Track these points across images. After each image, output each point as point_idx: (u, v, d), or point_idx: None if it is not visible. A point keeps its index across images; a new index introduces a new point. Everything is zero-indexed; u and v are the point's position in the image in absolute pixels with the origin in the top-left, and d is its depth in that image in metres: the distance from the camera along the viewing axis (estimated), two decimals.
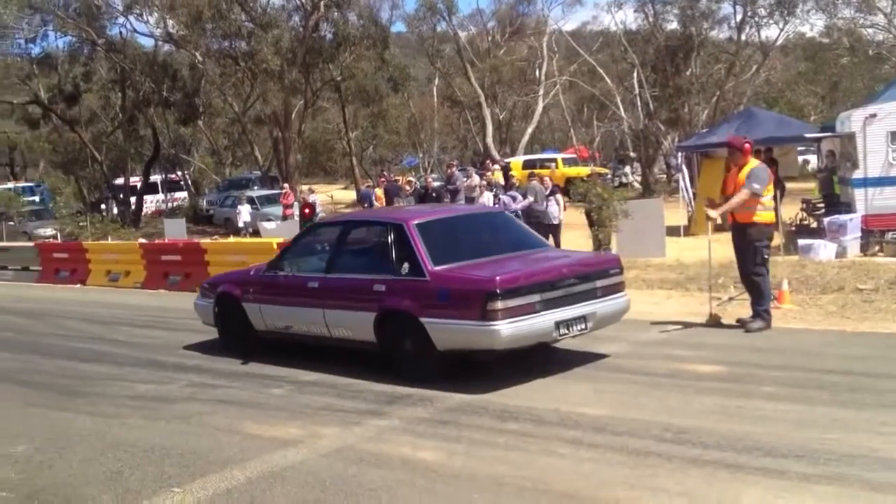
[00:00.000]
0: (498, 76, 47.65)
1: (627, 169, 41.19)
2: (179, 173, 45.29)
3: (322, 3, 34.38)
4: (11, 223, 33.77)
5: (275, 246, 15.90)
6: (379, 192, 24.65)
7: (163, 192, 44.56)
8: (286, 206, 27.11)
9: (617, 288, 8.57)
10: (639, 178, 39.62)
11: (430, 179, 24.88)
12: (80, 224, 31.74)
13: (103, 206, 40.60)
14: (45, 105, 39.50)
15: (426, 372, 8.08)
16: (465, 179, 22.53)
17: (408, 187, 21.78)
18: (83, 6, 36.01)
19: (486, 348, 7.78)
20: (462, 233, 9.13)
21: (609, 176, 37.48)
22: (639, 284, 13.58)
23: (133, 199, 39.26)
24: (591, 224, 17.17)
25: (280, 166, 37.97)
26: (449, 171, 23.89)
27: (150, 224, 35.64)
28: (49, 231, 30.93)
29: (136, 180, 41.38)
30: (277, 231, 21.30)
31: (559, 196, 18.27)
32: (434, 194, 21.23)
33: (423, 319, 7.91)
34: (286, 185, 30.70)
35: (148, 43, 40.24)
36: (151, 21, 37.28)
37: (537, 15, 49.99)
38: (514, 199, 18.15)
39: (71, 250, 21.09)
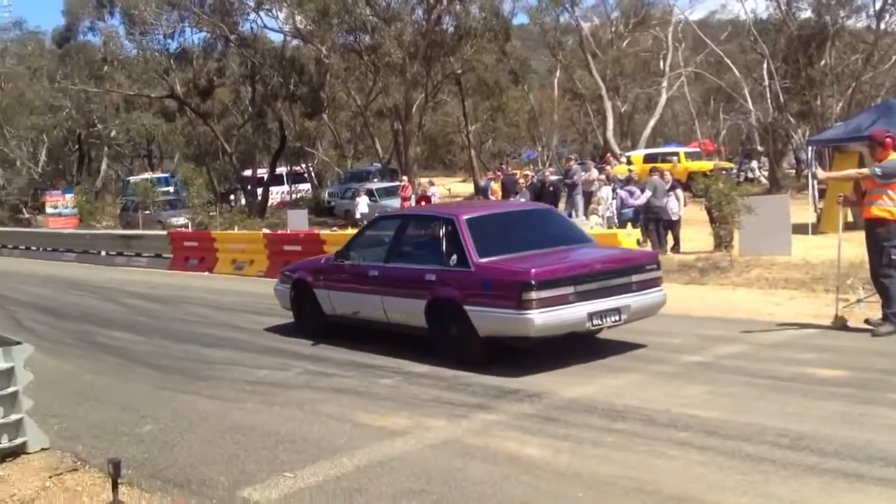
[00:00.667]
0: (620, 68, 46.87)
1: (754, 163, 39.82)
2: (304, 165, 46.39)
3: None
4: (147, 212, 35.29)
5: None
6: (495, 185, 24.66)
7: (288, 183, 45.72)
8: (404, 199, 27.42)
9: (653, 283, 8.97)
10: (766, 173, 38.28)
11: (547, 173, 24.75)
12: (210, 214, 32.97)
13: (232, 197, 41.98)
14: (181, 99, 41.06)
15: (468, 356, 8.65)
16: (583, 174, 22.33)
17: (522, 181, 21.68)
18: (217, 2, 37.34)
19: (521, 335, 8.28)
20: (509, 228, 9.62)
21: (734, 171, 36.40)
22: (761, 284, 13.19)
23: (259, 191, 40.42)
24: (713, 221, 16.76)
25: (400, 159, 38.46)
26: (567, 164, 23.71)
27: (274, 215, 36.66)
28: (181, 220, 32.15)
29: (262, 172, 42.62)
30: None
31: (679, 191, 17.90)
32: (551, 188, 21.11)
33: (466, 307, 8.49)
34: (405, 177, 31.05)
35: (277, 38, 41.44)
36: (281, 17, 38.37)
37: (663, 4, 48.85)
38: (631, 193, 17.88)
39: (200, 239, 21.92)
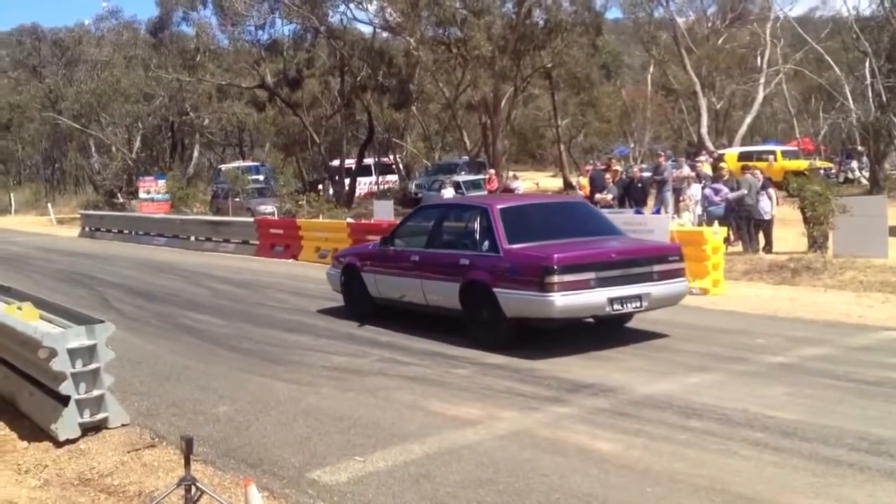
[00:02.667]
0: (716, 64, 45.80)
1: (855, 164, 38.48)
2: (392, 157, 46.69)
3: None
4: (237, 199, 36.01)
5: None
6: (583, 180, 24.36)
7: (375, 174, 46.07)
8: (490, 192, 27.36)
9: (675, 273, 9.44)
10: (867, 174, 36.92)
11: (636, 169, 24.33)
12: (298, 203, 33.46)
13: (320, 187, 42.47)
14: (271, 89, 41.77)
15: (497, 338, 9.17)
16: (674, 170, 21.88)
17: (608, 175, 21.35)
18: None
19: (543, 317, 8.81)
20: (540, 218, 10.34)
21: (834, 171, 35.23)
22: (854, 286, 12.75)
23: (347, 181, 40.84)
24: (806, 221, 16.25)
25: (487, 152, 38.38)
26: (657, 161, 23.27)
27: (361, 205, 37.02)
28: (269, 208, 32.69)
29: (350, 163, 43.04)
30: None
31: (772, 191, 17.40)
32: (640, 184, 20.72)
33: (495, 290, 9.07)
34: (491, 170, 30.97)
35: (366, 30, 41.76)
36: (370, 9, 38.62)
37: (761, 0, 47.60)
38: (716, 192, 17.46)
39: (286, 227, 22.24)
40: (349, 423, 6.77)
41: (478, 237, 9.64)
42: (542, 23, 36.71)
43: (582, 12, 36.65)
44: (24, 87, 54.82)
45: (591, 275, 8.71)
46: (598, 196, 20.71)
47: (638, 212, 17.55)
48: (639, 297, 8.96)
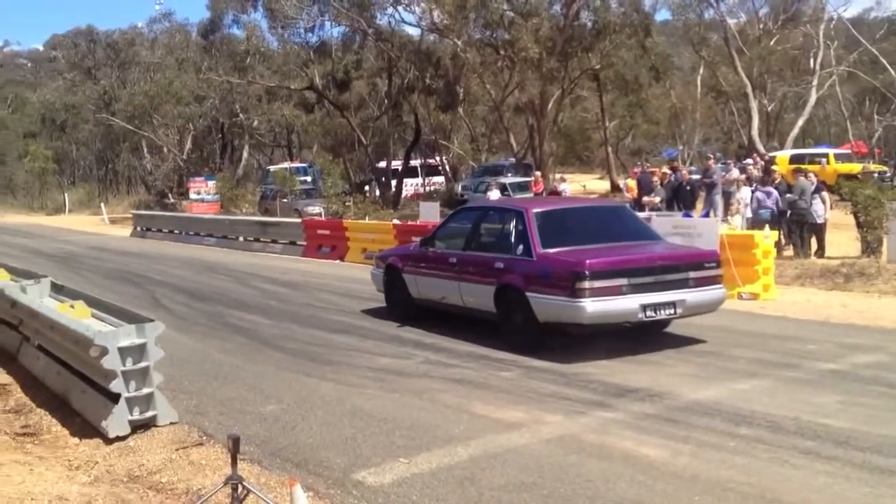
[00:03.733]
0: (767, 66, 45.14)
1: None
2: (438, 158, 46.75)
3: None
4: (285, 200, 36.31)
5: None
6: (631, 183, 24.16)
7: (421, 176, 46.14)
8: (536, 194, 27.20)
9: (712, 280, 9.28)
10: None
11: (685, 171, 24.06)
12: (346, 204, 33.64)
13: (367, 188, 42.68)
14: (319, 91, 42.07)
15: (528, 341, 9.18)
16: (723, 173, 21.62)
17: (656, 178, 21.14)
18: None
19: (574, 322, 8.72)
20: (576, 222, 10.20)
21: (888, 174, 34.53)
22: None
23: (393, 182, 40.98)
24: (860, 225, 15.95)
25: (534, 154, 38.25)
26: (706, 163, 23.00)
27: (407, 206, 37.11)
28: (316, 209, 32.89)
29: (397, 164, 43.18)
30: None
31: (825, 194, 17.11)
32: (688, 187, 20.49)
33: (528, 294, 9.05)
34: (538, 172, 30.82)
35: (414, 32, 41.88)
36: (418, 11, 38.67)
37: (814, 1, 46.81)
38: (768, 195, 17.20)
39: (333, 228, 22.37)
40: (394, 425, 6.79)
41: (513, 240, 9.66)
42: (590, 24, 36.51)
43: (631, 13, 36.36)
44: (80, 89, 55.90)
45: (623, 281, 8.65)
46: (645, 199, 20.53)
47: (686, 215, 17.34)
48: (673, 304, 8.88)
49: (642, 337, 9.59)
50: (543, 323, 9.03)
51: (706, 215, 18.82)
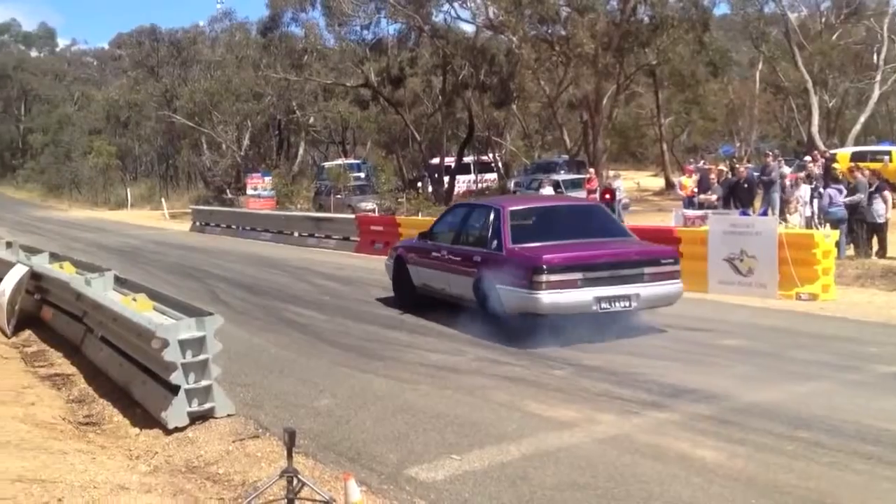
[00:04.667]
0: (829, 61, 44.20)
1: None
2: (491, 155, 46.70)
3: None
4: (339, 196, 36.59)
5: None
6: (685, 180, 23.85)
7: (474, 172, 46.13)
8: (590, 191, 27.00)
9: (668, 276, 9.82)
10: None
11: (742, 168, 23.69)
12: (398, 200, 33.77)
13: (419, 184, 42.79)
14: (375, 88, 42.32)
15: (505, 329, 9.75)
16: (783, 170, 21.29)
17: (713, 176, 20.85)
18: None
19: (533, 312, 9.42)
20: (547, 220, 11.03)
21: None
22: None
23: (446, 179, 41.03)
24: None
25: (588, 150, 38.01)
26: (764, 160, 22.64)
27: None
28: (369, 205, 33.09)
29: (450, 161, 43.24)
30: None
31: (887, 193, 16.70)
32: (745, 185, 20.19)
33: (498, 285, 9.76)
34: (591, 169, 30.62)
35: (469, 29, 41.88)
36: (473, 7, 38.69)
37: None
38: (840, 192, 16.85)
39: (385, 224, 22.47)
40: (446, 421, 6.82)
41: (489, 236, 10.45)
42: (647, 19, 36.11)
43: (689, 8, 35.86)
44: (142, 87, 56.93)
45: (578, 275, 9.33)
46: (701, 196, 20.29)
47: (744, 213, 17.11)
48: (628, 298, 9.48)
49: (697, 338, 9.51)
50: (511, 313, 9.69)
51: (764, 213, 18.54)
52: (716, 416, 6.72)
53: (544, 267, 9.27)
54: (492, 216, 10.62)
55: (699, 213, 17.60)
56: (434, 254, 11.60)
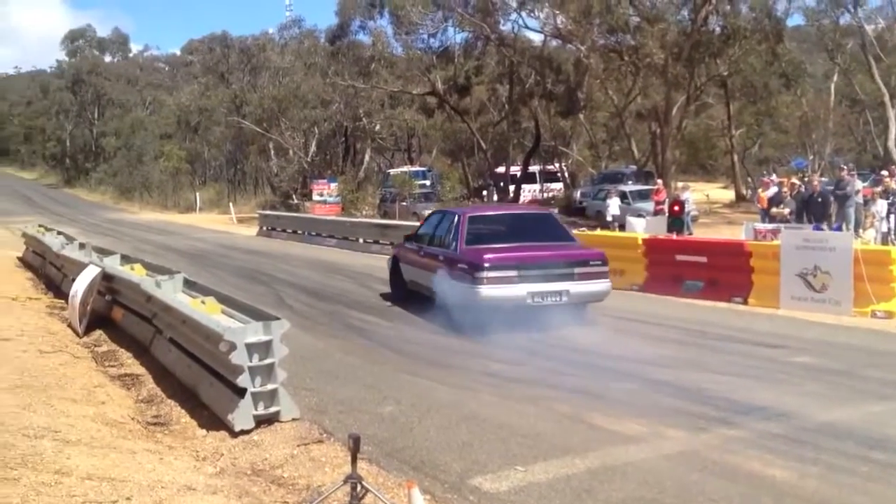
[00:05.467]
0: None
1: None
2: (557, 164, 46.47)
3: None
4: (404, 203, 36.76)
5: (639, 242, 15.77)
6: (762, 193, 23.39)
7: (540, 182, 45.96)
8: (657, 203, 26.66)
9: (597, 275, 11.12)
10: None
11: (816, 182, 23.17)
12: None
13: (484, 193, 42.77)
14: (441, 96, 42.47)
15: (469, 321, 10.76)
16: (857, 185, 20.77)
17: (786, 189, 20.42)
18: (481, 3, 38.20)
19: (476, 303, 10.68)
20: (500, 226, 12.44)
21: None
22: None
23: (512, 188, 40.93)
24: None
25: (656, 161, 37.56)
26: (839, 175, 22.10)
27: None
28: None
29: (515, 170, 43.15)
30: (646, 227, 20.99)
31: None
32: (819, 199, 19.74)
33: (454, 281, 11.20)
34: (660, 180, 30.22)
35: (536, 38, 41.79)
36: (542, 16, 38.57)
37: None
38: None
39: None
40: (510, 432, 6.76)
41: (451, 238, 11.92)
42: (718, 30, 35.59)
43: (762, 19, 35.27)
44: (213, 92, 57.98)
45: (514, 273, 10.74)
46: (773, 210, 19.90)
47: (817, 228, 16.72)
48: (559, 293, 10.80)
49: (767, 355, 9.30)
50: (463, 305, 10.86)
51: (838, 229, 18.09)
52: (787, 434, 6.56)
53: (485, 265, 10.69)
54: (455, 221, 12.13)
55: (770, 226, 17.26)
56: (415, 253, 13.17)
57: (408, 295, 13.38)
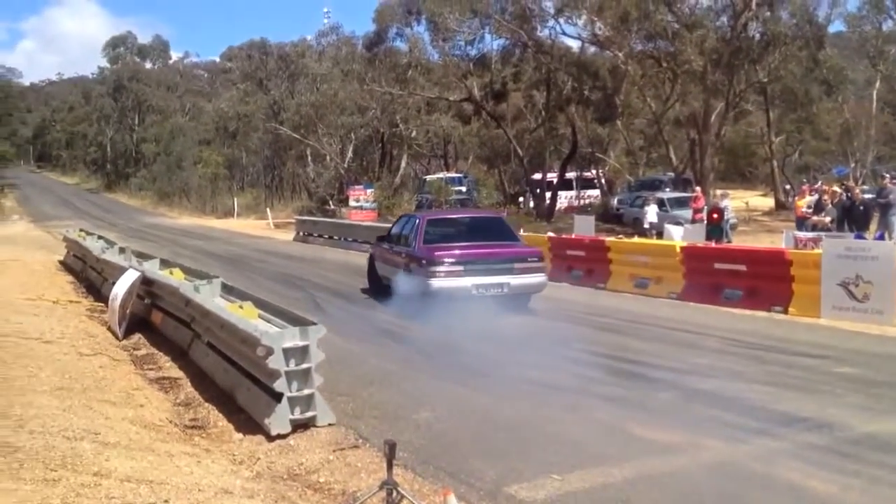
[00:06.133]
0: None
1: None
2: (594, 171, 46.27)
3: (754, 1, 32.99)
4: (440, 209, 36.76)
5: (677, 250, 15.62)
6: (800, 202, 23.11)
7: (576, 188, 45.78)
8: (696, 210, 26.39)
9: (533, 269, 13.00)
10: None
11: (857, 191, 22.84)
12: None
13: (521, 199, 42.67)
14: (477, 102, 42.49)
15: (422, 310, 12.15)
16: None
17: (826, 198, 20.14)
18: (518, 10, 38.16)
19: (428, 294, 12.44)
20: (455, 227, 14.45)
21: None
22: None
23: (548, 195, 40.80)
24: None
25: (694, 168, 37.23)
26: (881, 183, 21.77)
27: (561, 219, 36.87)
28: None
29: (552, 176, 43.01)
30: (684, 235, 20.80)
31: None
32: (861, 207, 19.46)
33: (410, 274, 13.15)
34: (698, 188, 29.93)
35: (573, 44, 41.65)
36: (579, 23, 38.43)
37: None
38: None
39: None
40: (546, 440, 6.71)
41: (412, 238, 13.66)
42: (758, 36, 35.24)
43: (803, 25, 34.83)
44: (251, 99, 58.50)
45: (460, 268, 12.56)
46: (815, 218, 19.64)
47: (859, 236, 16.47)
48: (500, 285, 12.58)
49: (809, 365, 9.16)
50: (419, 295, 12.49)
51: (881, 237, 17.81)
52: (828, 446, 6.45)
53: (435, 261, 12.55)
54: (416, 223, 14.02)
55: (811, 235, 17.04)
56: (386, 252, 14.92)
57: (381, 289, 14.95)
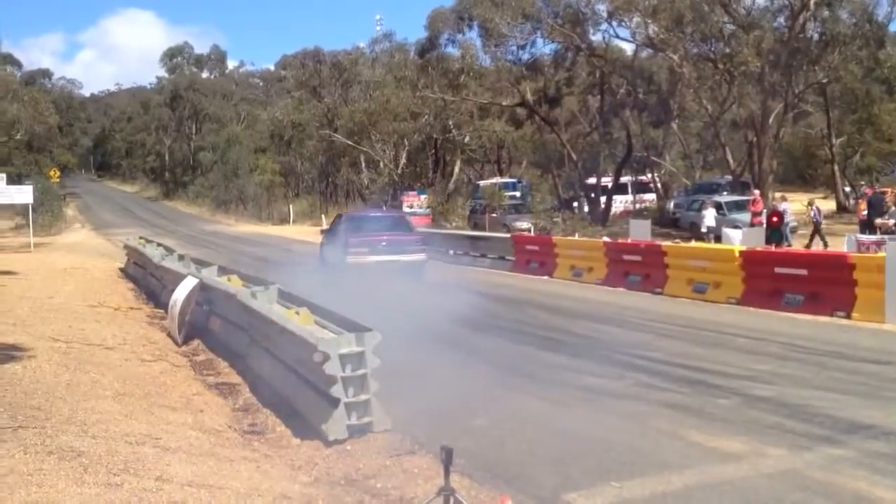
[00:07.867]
0: None
1: None
2: (650, 175, 45.83)
3: (812, 1, 32.40)
4: (494, 215, 36.76)
5: (736, 254, 15.38)
6: (862, 205, 22.61)
7: (632, 193, 45.40)
8: (754, 214, 25.99)
9: (416, 251, 18.83)
10: None
11: None
12: (553, 220, 33.55)
13: (575, 204, 42.41)
14: (530, 107, 42.39)
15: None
16: None
17: (888, 199, 19.66)
18: (570, 14, 37.99)
19: (345, 266, 17.97)
20: (370, 222, 20.33)
21: None
22: None
23: (603, 199, 40.51)
24: None
25: (752, 171, 36.66)
26: None
27: (616, 224, 36.58)
28: (525, 224, 33.04)
29: (607, 181, 42.71)
30: (742, 239, 20.47)
31: None
32: None
33: (337, 253, 18.77)
34: (756, 191, 29.45)
35: (627, 47, 41.34)
36: (632, 26, 38.11)
37: None
38: None
39: (542, 244, 22.35)
40: (604, 447, 6.65)
41: (339, 230, 19.70)
42: (816, 36, 34.61)
43: (862, 24, 34.13)
44: (305, 107, 59.09)
45: (366, 249, 18.14)
46: (878, 221, 19.20)
47: None
48: (394, 262, 17.93)
49: (874, 371, 8.93)
50: (340, 267, 18.21)
51: None
52: (894, 454, 6.29)
53: (350, 244, 18.28)
54: (343, 219, 20.95)
55: (874, 238, 16.65)
56: (326, 239, 21.03)
57: (326, 265, 19.88)
